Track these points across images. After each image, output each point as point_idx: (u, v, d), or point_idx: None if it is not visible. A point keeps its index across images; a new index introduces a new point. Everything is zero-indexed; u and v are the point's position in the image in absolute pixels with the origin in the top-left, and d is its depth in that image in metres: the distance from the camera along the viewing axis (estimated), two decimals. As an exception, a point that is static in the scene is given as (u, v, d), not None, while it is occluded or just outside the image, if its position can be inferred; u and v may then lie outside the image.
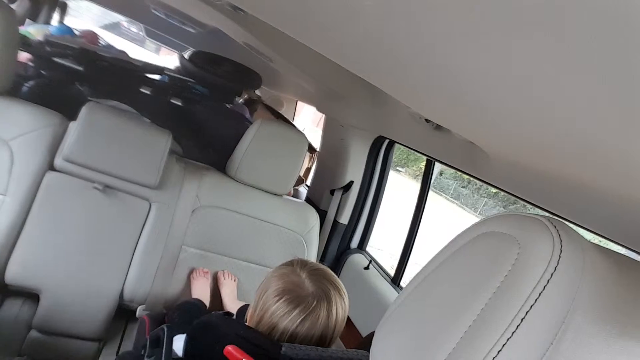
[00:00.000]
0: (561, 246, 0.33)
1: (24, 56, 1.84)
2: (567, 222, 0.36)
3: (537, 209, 0.83)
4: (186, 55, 2.30)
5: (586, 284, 0.32)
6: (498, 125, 0.61)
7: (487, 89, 0.47)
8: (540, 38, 0.30)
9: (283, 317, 0.72)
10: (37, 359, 1.26)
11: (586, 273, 0.33)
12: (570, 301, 0.31)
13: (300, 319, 0.71)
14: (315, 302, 0.72)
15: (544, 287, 0.32)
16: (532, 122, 0.49)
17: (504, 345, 0.31)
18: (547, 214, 0.74)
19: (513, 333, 0.31)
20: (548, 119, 0.45)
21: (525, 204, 0.89)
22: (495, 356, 0.31)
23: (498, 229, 0.38)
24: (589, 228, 0.72)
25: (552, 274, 0.32)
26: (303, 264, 0.79)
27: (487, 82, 0.45)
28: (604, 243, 0.65)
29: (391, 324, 0.44)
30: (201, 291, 1.38)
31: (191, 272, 1.43)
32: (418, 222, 1.56)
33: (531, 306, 0.31)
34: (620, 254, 0.39)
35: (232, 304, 1.36)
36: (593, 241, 0.38)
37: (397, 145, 1.68)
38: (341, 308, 0.76)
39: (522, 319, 0.31)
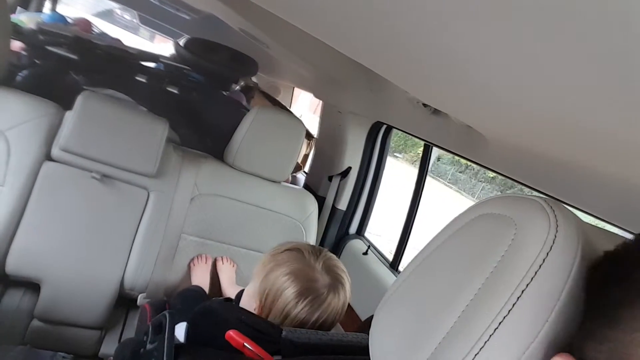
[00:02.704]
0: (557, 226, 0.33)
1: (16, 45, 1.82)
2: (563, 204, 0.37)
3: (534, 192, 0.84)
4: (181, 42, 2.28)
5: (581, 263, 0.33)
6: (496, 109, 0.61)
7: (486, 72, 0.47)
8: (539, 21, 0.30)
9: (298, 313, 0.72)
10: (39, 347, 1.27)
11: (581, 252, 0.33)
12: (565, 280, 0.32)
13: (311, 311, 0.73)
14: (326, 295, 0.74)
15: (540, 267, 0.32)
16: (530, 105, 0.49)
17: (500, 323, 0.32)
18: (544, 196, 0.74)
19: (509, 311, 0.32)
20: (547, 102, 0.45)
21: (523, 187, 0.89)
22: (492, 334, 0.32)
23: (495, 210, 0.38)
24: (585, 210, 0.72)
25: (547, 254, 0.32)
26: (316, 253, 0.78)
27: (486, 66, 0.44)
28: (599, 224, 0.66)
29: (389, 306, 0.44)
30: (201, 278, 1.39)
31: (192, 259, 1.44)
32: (416, 208, 1.57)
33: (527, 285, 0.32)
34: (614, 233, 0.40)
35: (230, 289, 1.37)
36: (588, 222, 0.38)
37: (394, 131, 1.68)
38: (343, 296, 0.77)
39: (518, 298, 0.32)
